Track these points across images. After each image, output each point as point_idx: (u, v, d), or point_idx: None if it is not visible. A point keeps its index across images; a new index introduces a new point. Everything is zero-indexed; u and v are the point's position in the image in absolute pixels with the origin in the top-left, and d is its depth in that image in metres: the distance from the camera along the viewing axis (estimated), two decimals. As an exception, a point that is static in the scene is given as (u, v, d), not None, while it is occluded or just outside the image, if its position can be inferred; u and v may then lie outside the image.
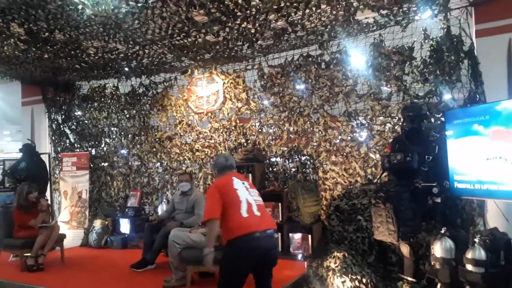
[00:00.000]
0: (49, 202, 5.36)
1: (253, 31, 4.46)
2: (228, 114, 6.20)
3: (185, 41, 4.73)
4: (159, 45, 4.91)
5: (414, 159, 3.70)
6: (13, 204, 5.58)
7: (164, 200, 6.51)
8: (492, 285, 3.04)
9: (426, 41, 4.47)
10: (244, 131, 6.08)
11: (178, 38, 4.63)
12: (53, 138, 7.94)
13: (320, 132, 5.36)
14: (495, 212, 3.82)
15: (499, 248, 3.14)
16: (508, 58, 4.12)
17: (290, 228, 5.25)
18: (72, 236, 6.57)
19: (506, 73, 4.10)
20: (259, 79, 5.87)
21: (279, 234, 5.24)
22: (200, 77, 6.38)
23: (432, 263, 3.56)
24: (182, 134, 6.65)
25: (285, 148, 5.67)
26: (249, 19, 4.14)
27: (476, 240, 3.15)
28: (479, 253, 3.08)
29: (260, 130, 5.94)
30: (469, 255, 3.12)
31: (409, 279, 3.87)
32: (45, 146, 7.87)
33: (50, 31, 4.44)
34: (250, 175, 5.56)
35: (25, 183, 5.30)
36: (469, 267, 3.11)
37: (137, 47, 5.02)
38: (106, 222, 6.41)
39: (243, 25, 4.28)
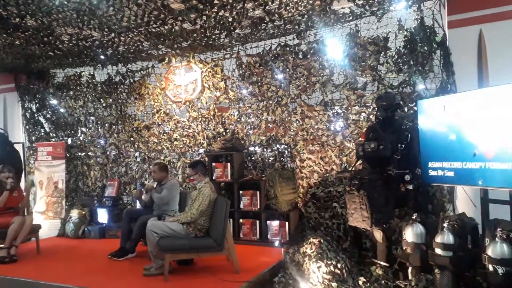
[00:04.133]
0: (12, 181, 5.22)
1: (230, 19, 4.44)
2: (206, 103, 6.18)
3: (162, 28, 4.67)
4: (135, 33, 4.83)
5: (387, 148, 3.81)
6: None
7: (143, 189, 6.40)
8: (459, 267, 3.17)
9: (400, 31, 4.56)
10: (223, 120, 6.08)
11: (154, 25, 4.56)
12: (27, 127, 7.75)
13: (297, 122, 5.42)
14: (464, 199, 3.97)
15: (466, 233, 3.28)
16: (479, 49, 4.24)
17: (268, 216, 5.33)
18: (48, 226, 6.48)
19: (476, 63, 4.22)
20: (237, 68, 5.87)
21: (257, 221, 5.33)
22: (177, 66, 6.33)
23: (404, 248, 3.68)
24: (160, 123, 6.59)
25: (264, 137, 5.71)
26: (226, 7, 4.11)
27: (445, 225, 3.27)
28: (448, 237, 3.20)
29: (238, 120, 5.96)
30: (438, 239, 3.24)
31: (382, 263, 4.00)
32: (18, 136, 7.67)
33: (21, 16, 4.31)
34: (229, 164, 5.59)
35: (2, 165, 5.29)
36: (438, 251, 3.23)
37: (113, 35, 4.92)
38: (83, 212, 6.34)
39: (220, 13, 4.25)
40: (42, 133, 7.67)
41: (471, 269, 3.20)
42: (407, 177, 3.80)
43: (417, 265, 3.54)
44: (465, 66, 4.23)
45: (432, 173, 3.80)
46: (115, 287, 3.88)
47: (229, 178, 5.57)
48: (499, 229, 2.90)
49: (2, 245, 4.83)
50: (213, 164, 5.68)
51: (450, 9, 4.37)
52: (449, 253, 3.16)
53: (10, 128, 7.53)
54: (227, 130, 6.04)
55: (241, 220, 5.46)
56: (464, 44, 4.26)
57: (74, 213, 6.31)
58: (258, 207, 5.36)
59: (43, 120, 7.69)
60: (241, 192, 5.49)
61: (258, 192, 5.37)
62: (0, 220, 4.95)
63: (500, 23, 4.11)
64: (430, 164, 3.80)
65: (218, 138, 5.95)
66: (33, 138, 7.69)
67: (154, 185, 5.13)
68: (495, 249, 2.84)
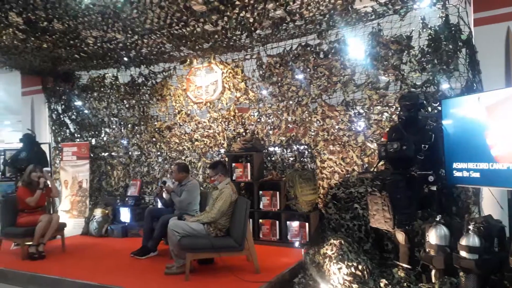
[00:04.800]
0: (47, 183, 5.37)
1: (251, 20, 4.46)
2: (227, 104, 6.22)
3: (184, 30, 4.73)
4: (157, 35, 4.92)
5: (410, 148, 3.74)
6: (14, 193, 5.66)
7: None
8: (485, 271, 3.09)
9: (424, 30, 4.46)
10: (243, 120, 6.10)
11: (176, 27, 4.63)
12: (53, 128, 7.97)
13: (318, 122, 5.39)
14: (490, 200, 3.86)
15: (492, 235, 3.19)
16: (506, 47, 4.13)
17: (288, 216, 5.31)
18: (72, 225, 6.63)
19: (504, 62, 4.11)
20: (257, 69, 5.88)
21: (277, 222, 5.32)
22: (199, 67, 6.39)
23: (427, 250, 3.61)
24: (181, 124, 6.67)
25: (284, 138, 5.70)
26: (247, 8, 4.14)
27: (471, 227, 3.19)
28: (473, 240, 3.12)
29: (258, 120, 5.96)
30: (463, 242, 3.17)
31: (404, 265, 3.93)
32: (45, 136, 7.91)
33: (48, 20, 4.45)
34: (248, 164, 5.61)
35: (33, 164, 5.44)
36: (463, 253, 3.15)
37: (136, 37, 5.02)
38: (107, 211, 6.47)
39: (241, 14, 4.28)
40: (67, 134, 7.87)
41: (497, 273, 3.13)
42: (431, 178, 3.72)
43: (441, 268, 3.47)
44: (492, 64, 4.12)
45: (456, 174, 3.72)
46: (137, 285, 3.94)
47: (249, 178, 5.59)
48: (527, 231, 2.81)
49: (30, 242, 4.98)
50: (233, 164, 5.70)
51: (476, 6, 4.26)
52: (474, 256, 3.08)
53: (37, 129, 7.77)
54: (247, 131, 6.06)
55: (260, 221, 5.46)
56: (491, 42, 4.15)
57: (98, 212, 6.45)
58: (278, 207, 5.35)
59: (68, 121, 7.89)
60: (261, 192, 5.49)
61: (278, 193, 5.37)
62: (30, 218, 5.12)
63: (529, 20, 3.99)
64: (455, 165, 3.72)
65: (238, 139, 5.98)
66: (59, 138, 7.90)
67: (174, 186, 5.18)
68: (523, 252, 2.76)
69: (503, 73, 4.12)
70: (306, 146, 5.56)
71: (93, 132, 7.61)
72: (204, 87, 6.35)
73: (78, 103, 7.71)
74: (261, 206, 5.47)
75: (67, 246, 5.42)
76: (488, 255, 3.09)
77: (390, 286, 3.65)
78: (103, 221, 6.37)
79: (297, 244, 5.11)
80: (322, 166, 5.33)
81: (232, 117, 6.17)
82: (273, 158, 5.90)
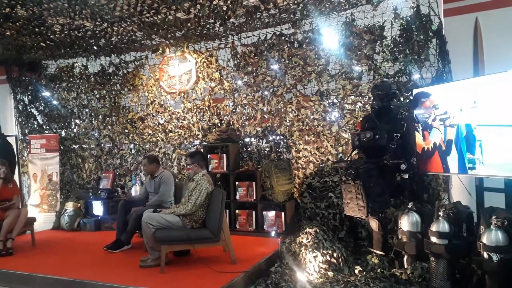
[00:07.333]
0: (5, 171, 5.14)
1: (224, 8, 4.38)
2: (201, 94, 6.13)
3: (155, 18, 4.60)
4: (128, 22, 4.77)
5: (382, 137, 3.80)
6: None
7: (138, 181, 6.44)
8: (454, 255, 3.20)
9: (396, 20, 4.52)
10: (218, 111, 6.04)
11: (147, 15, 4.50)
12: (19, 119, 7.67)
13: (293, 112, 5.39)
14: (459, 187, 3.98)
15: (461, 221, 3.31)
16: (474, 37, 4.23)
17: (264, 206, 5.33)
18: (43, 219, 6.45)
19: (472, 52, 4.21)
20: (232, 58, 5.81)
21: (254, 212, 5.34)
22: (172, 56, 6.26)
23: (400, 237, 3.71)
24: (154, 114, 6.54)
25: (259, 128, 5.68)
26: (220, -4, 4.06)
27: (441, 213, 3.29)
28: (443, 225, 3.22)
29: (234, 110, 5.92)
30: (433, 228, 3.26)
31: (378, 252, 4.03)
32: (11, 128, 7.59)
33: (11, 6, 4.24)
34: (224, 155, 5.57)
35: None
36: (434, 239, 3.25)
37: (105, 24, 4.85)
38: (79, 205, 6.31)
39: (214, 2, 4.19)
40: (35, 126, 7.58)
41: (466, 257, 3.24)
42: (403, 166, 3.81)
43: (413, 254, 3.57)
44: (461, 54, 4.21)
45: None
46: (111, 279, 3.85)
47: (225, 169, 5.56)
48: (493, 217, 2.92)
49: (-3, 239, 4.80)
50: (209, 155, 5.65)
51: (446, -3, 4.34)
52: (444, 241, 3.18)
53: (2, 120, 7.43)
54: (223, 121, 6.00)
55: (237, 211, 5.46)
56: (460, 32, 4.24)
57: (69, 206, 6.28)
58: (254, 198, 5.36)
59: (36, 112, 7.60)
60: (237, 183, 5.48)
61: (254, 183, 5.36)
62: None
63: (496, 11, 4.09)
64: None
65: (214, 129, 5.91)
66: (26, 130, 7.62)
67: (146, 180, 5.11)
68: (490, 236, 2.86)
69: (471, 63, 4.22)
70: (281, 137, 5.57)
71: (62, 124, 7.35)
72: (178, 76, 6.24)
73: (46, 93, 7.43)
74: (237, 197, 5.46)
75: (38, 241, 5.27)
76: (457, 240, 3.20)
77: (364, 272, 3.73)
78: (75, 214, 6.21)
79: (273, 233, 5.14)
80: (298, 156, 5.36)
81: (207, 108, 6.09)
82: (249, 149, 5.88)
